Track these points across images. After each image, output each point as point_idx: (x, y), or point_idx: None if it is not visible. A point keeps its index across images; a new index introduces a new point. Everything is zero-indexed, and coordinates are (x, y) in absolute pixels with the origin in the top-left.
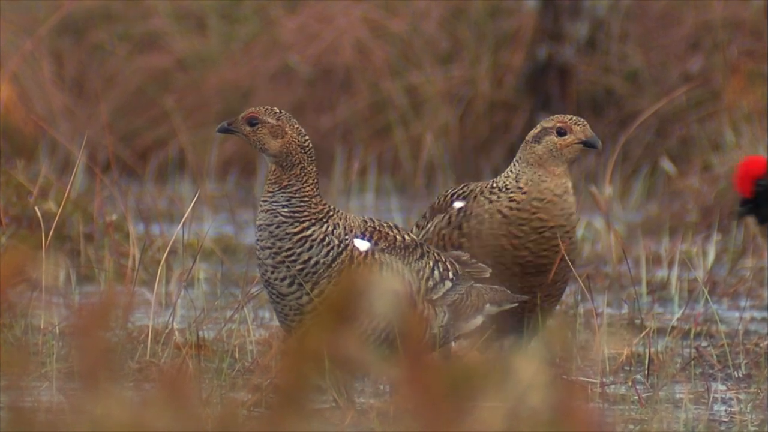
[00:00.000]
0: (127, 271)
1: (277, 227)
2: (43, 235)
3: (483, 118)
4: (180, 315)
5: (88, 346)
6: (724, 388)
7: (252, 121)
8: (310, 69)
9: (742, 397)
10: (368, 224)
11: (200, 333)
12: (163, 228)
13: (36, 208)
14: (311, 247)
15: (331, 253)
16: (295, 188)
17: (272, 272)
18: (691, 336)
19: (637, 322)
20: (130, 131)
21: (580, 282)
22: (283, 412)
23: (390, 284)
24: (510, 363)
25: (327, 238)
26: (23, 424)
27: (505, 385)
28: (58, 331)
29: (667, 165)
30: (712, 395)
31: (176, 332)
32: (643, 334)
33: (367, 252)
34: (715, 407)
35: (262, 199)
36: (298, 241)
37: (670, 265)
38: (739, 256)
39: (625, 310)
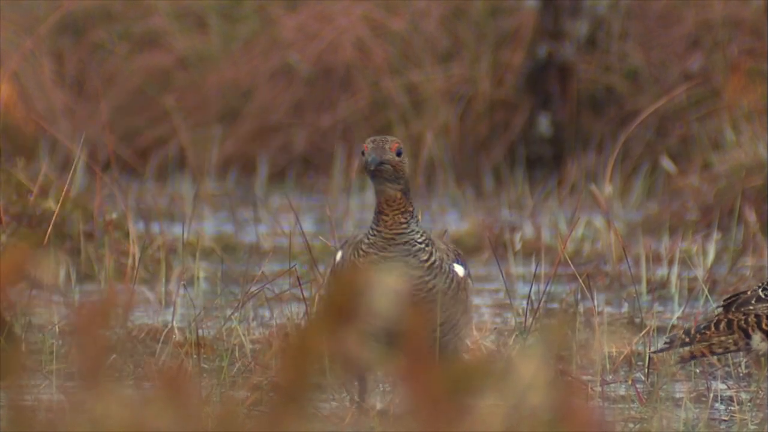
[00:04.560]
0: (127, 269)
1: (413, 256)
2: (43, 233)
3: (483, 116)
4: (180, 313)
5: (87, 345)
6: (724, 386)
7: (399, 151)
8: (311, 68)
9: (742, 395)
10: (451, 247)
11: (200, 332)
12: (163, 226)
13: (35, 207)
14: (436, 275)
15: (446, 279)
16: (414, 212)
17: None
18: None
19: (637, 320)
20: (131, 130)
21: (580, 281)
22: (282, 411)
23: (391, 283)
24: (510, 362)
25: (444, 265)
26: (23, 423)
27: (505, 384)
28: (57, 329)
29: (667, 164)
30: (712, 394)
31: (176, 331)
32: (644, 332)
33: (464, 277)
34: (715, 406)
35: (395, 232)
36: (428, 268)
37: (670, 263)
38: (739, 255)
39: (625, 308)
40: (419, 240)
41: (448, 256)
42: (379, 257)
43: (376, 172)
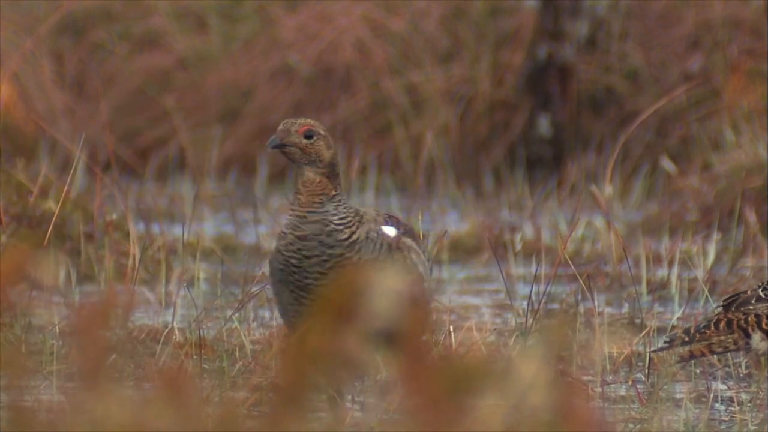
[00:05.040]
0: (127, 270)
1: (328, 236)
2: (43, 234)
3: (483, 117)
4: (180, 314)
5: (88, 346)
6: (724, 387)
7: (308, 134)
8: (311, 68)
9: (742, 396)
10: (382, 212)
11: (200, 332)
12: (163, 227)
13: (35, 208)
14: (360, 248)
15: (376, 248)
16: (340, 196)
17: (316, 279)
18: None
19: (638, 321)
20: (131, 130)
21: (581, 281)
22: (283, 412)
23: (391, 282)
24: (510, 362)
25: (369, 235)
26: (23, 424)
27: (505, 385)
28: (58, 330)
29: (667, 164)
30: (712, 394)
31: (176, 331)
32: (644, 333)
33: (396, 237)
34: (716, 406)
35: (307, 210)
36: (349, 245)
37: (671, 264)
38: (739, 256)
39: (625, 309)
40: (335, 221)
41: (376, 222)
42: (293, 237)
43: (284, 154)
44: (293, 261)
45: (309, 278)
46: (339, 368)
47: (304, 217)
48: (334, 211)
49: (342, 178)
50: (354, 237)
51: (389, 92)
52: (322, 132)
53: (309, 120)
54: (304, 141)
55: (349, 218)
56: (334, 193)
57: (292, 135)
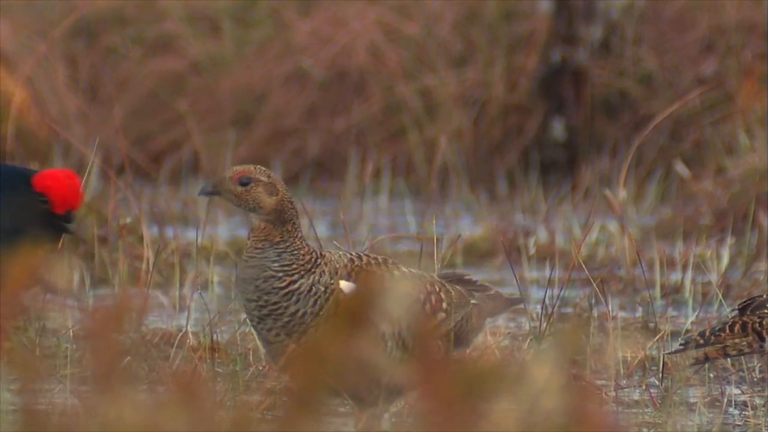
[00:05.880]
0: (140, 274)
1: (264, 281)
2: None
3: (497, 121)
4: (194, 318)
5: (102, 349)
6: (738, 391)
7: (243, 181)
8: (324, 72)
9: (756, 400)
10: (355, 263)
11: (214, 336)
12: (176, 231)
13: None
14: (298, 300)
15: (318, 302)
16: (287, 244)
17: (258, 323)
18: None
19: (651, 325)
20: (144, 134)
21: (594, 285)
22: (296, 415)
23: (405, 288)
24: (524, 366)
25: (314, 288)
26: (37, 427)
27: (519, 389)
28: (71, 333)
29: (681, 168)
30: (726, 399)
31: (190, 335)
32: (657, 337)
33: (351, 292)
34: (729, 411)
35: (249, 255)
36: (284, 295)
37: (684, 268)
38: (753, 260)
39: (639, 313)
40: (275, 267)
41: (336, 273)
42: (239, 278)
43: (223, 199)
44: (243, 301)
45: (253, 321)
46: (352, 372)
47: (246, 261)
48: (275, 258)
49: (298, 225)
50: (293, 287)
51: (403, 96)
52: (263, 178)
53: (250, 167)
54: (239, 188)
55: (294, 266)
56: (278, 239)
57: (226, 182)
